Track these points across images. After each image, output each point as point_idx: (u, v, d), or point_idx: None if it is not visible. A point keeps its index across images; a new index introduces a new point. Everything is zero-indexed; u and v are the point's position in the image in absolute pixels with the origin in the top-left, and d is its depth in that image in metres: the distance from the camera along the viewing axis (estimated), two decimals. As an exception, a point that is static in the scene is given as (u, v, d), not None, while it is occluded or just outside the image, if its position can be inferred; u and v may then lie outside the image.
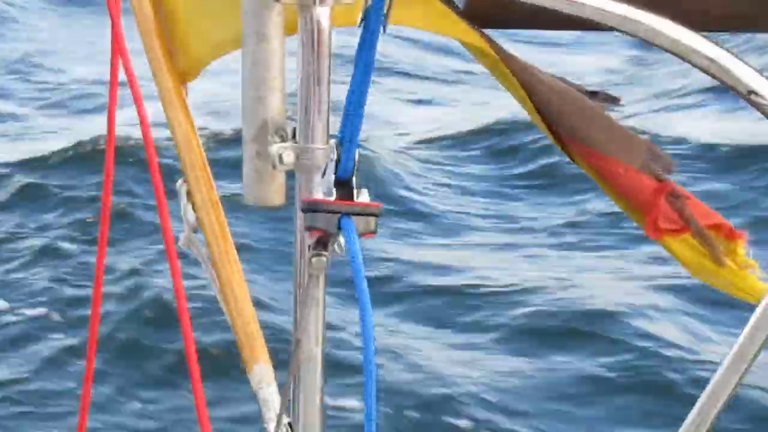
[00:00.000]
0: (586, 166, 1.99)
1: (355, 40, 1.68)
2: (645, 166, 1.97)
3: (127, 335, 7.04)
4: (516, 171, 10.03)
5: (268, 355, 2.09)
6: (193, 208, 2.12)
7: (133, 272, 7.65)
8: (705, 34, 1.72)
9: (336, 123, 1.79)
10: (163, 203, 1.94)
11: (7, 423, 5.94)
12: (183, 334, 1.91)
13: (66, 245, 8.06)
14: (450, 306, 7.69)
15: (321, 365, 1.95)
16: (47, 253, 7.97)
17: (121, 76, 2.14)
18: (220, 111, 10.34)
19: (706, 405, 1.73)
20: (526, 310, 7.60)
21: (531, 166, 9.98)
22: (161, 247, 7.91)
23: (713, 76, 1.70)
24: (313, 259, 1.76)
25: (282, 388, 2.01)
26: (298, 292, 1.92)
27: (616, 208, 2.03)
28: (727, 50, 1.70)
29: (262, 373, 2.05)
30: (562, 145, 1.98)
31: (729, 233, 2.00)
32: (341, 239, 1.73)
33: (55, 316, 7.18)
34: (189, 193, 2.12)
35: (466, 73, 12.54)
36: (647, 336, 7.24)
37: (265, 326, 2.13)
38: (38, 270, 7.71)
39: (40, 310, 7.19)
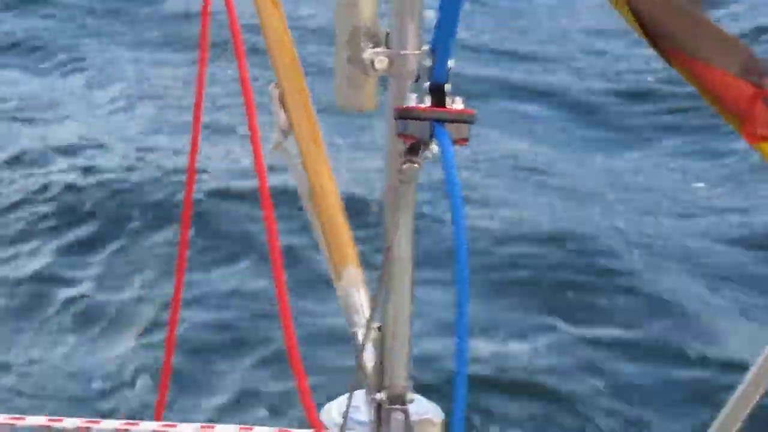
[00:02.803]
0: (682, 69, 1.96)
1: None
2: (743, 71, 1.93)
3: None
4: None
5: (358, 260, 2.10)
6: (285, 112, 2.12)
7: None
8: None
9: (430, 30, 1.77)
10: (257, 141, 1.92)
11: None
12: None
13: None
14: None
15: (410, 272, 1.96)
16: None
17: None
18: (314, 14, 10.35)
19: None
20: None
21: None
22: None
23: None
24: (405, 166, 1.75)
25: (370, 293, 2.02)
26: (389, 199, 1.92)
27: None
28: None
29: (351, 278, 2.07)
30: (658, 49, 1.94)
31: None
32: (433, 146, 1.72)
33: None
34: (281, 97, 2.12)
35: None
36: None
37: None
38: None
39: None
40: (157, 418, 1.98)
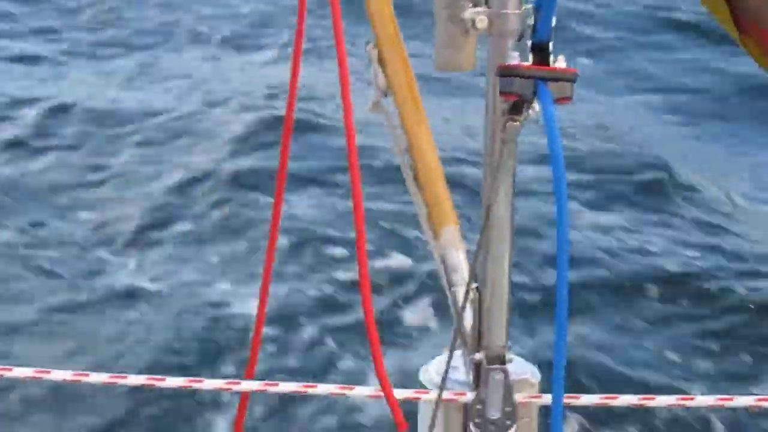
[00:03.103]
0: (761, 53, 1.92)
1: None
2: None
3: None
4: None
5: (456, 220, 2.10)
6: (383, 72, 2.11)
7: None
8: None
9: None
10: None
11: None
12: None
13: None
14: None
15: (510, 232, 1.95)
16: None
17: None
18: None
19: None
20: None
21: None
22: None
23: None
24: (507, 125, 1.74)
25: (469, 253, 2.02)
26: (489, 158, 1.91)
27: None
28: None
29: (450, 237, 2.06)
30: (740, 30, 1.91)
31: None
32: (535, 105, 1.71)
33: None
34: (380, 56, 2.12)
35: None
36: None
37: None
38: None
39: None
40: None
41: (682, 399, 2.10)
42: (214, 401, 5.54)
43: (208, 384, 1.90)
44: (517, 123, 1.73)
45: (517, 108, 1.72)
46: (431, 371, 2.07)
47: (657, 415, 5.60)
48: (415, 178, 2.11)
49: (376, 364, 1.85)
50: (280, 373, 5.76)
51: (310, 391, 1.95)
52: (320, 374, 5.84)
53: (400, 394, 1.99)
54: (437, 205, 2.09)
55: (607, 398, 2.09)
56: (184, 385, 1.87)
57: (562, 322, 1.66)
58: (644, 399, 2.09)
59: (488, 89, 1.88)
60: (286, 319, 6.35)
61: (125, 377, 1.87)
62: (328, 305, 6.52)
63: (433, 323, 6.23)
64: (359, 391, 1.99)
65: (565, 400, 1.93)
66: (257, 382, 1.92)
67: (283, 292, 6.52)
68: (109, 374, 1.85)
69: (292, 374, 5.80)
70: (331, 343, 6.19)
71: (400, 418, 1.89)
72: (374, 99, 2.15)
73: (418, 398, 2.02)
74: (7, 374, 1.79)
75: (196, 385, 1.88)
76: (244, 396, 2.10)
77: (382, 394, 1.88)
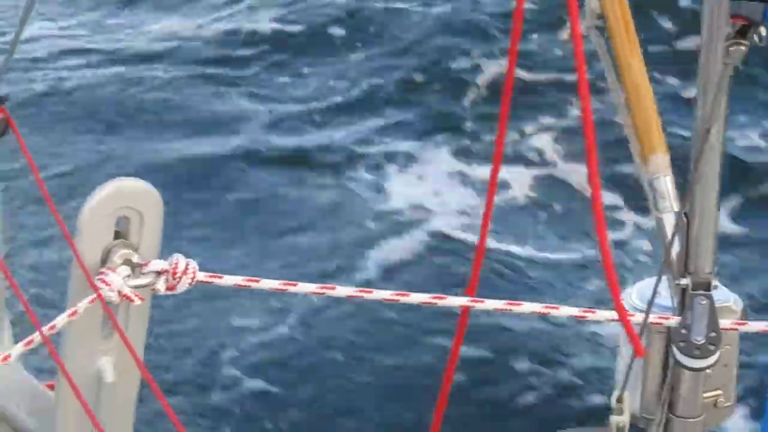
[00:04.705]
0: None
1: None
2: None
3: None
4: None
5: (665, 146, 2.10)
6: None
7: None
8: None
9: None
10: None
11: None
12: None
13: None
14: None
15: (720, 157, 1.95)
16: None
17: None
18: None
19: None
20: None
21: None
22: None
23: None
24: (732, 48, 1.73)
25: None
26: (706, 82, 1.90)
27: None
28: None
29: (658, 163, 2.07)
30: None
31: None
32: (762, 29, 1.70)
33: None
34: None
35: None
36: None
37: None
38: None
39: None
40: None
41: None
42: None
43: (451, 301, 1.95)
44: (743, 47, 1.72)
45: (743, 32, 1.71)
46: (634, 295, 2.10)
47: None
48: (626, 105, 2.12)
49: (612, 293, 1.88)
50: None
51: (553, 312, 2.00)
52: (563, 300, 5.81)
53: (601, 316, 2.03)
54: (647, 132, 2.10)
55: None
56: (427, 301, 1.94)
57: None
58: None
59: (706, 11, 1.87)
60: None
61: (333, 288, 1.96)
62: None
63: (634, 248, 6.19)
64: (599, 315, 2.02)
65: None
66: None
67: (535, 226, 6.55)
68: (317, 285, 1.94)
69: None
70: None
71: (639, 345, 1.92)
72: (587, 24, 2.16)
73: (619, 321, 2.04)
74: (218, 282, 1.90)
75: (440, 303, 1.94)
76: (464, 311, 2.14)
77: (619, 319, 1.91)
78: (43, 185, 2.13)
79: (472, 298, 1.97)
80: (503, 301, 1.95)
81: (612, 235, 6.21)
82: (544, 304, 1.97)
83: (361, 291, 1.98)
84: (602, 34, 2.14)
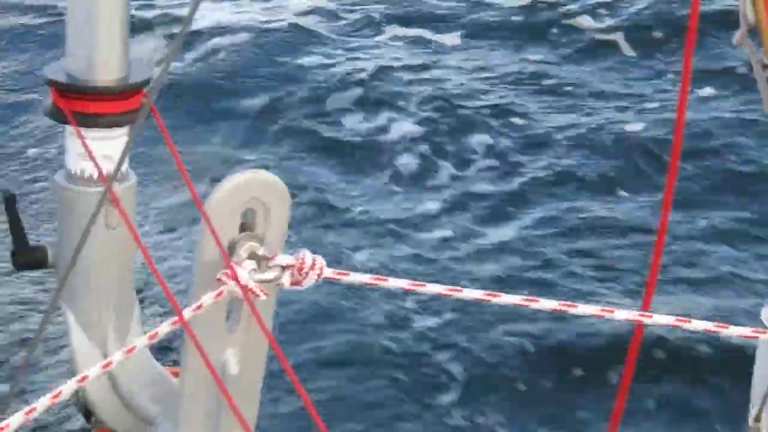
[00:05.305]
0: None
1: None
2: None
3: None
4: None
5: None
6: (754, 8, 2.05)
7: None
8: None
9: None
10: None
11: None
12: None
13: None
14: None
15: None
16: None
17: None
18: None
19: None
20: None
21: None
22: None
23: None
24: None
25: None
26: None
27: None
28: None
29: None
30: None
31: None
32: None
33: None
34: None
35: None
36: None
37: None
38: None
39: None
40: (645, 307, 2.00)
41: None
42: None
43: (620, 314, 1.92)
44: None
45: None
46: None
47: None
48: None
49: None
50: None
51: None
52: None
53: (737, 331, 1.97)
54: None
55: None
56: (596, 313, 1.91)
57: None
58: None
59: None
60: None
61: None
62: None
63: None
64: (734, 330, 1.98)
65: None
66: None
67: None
68: (445, 286, 1.91)
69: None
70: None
71: None
72: (739, 35, 2.09)
73: (756, 337, 1.99)
74: (345, 279, 1.87)
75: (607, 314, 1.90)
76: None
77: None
78: (185, 173, 2.08)
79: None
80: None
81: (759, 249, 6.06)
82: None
83: (488, 295, 1.94)
84: (756, 43, 2.08)
